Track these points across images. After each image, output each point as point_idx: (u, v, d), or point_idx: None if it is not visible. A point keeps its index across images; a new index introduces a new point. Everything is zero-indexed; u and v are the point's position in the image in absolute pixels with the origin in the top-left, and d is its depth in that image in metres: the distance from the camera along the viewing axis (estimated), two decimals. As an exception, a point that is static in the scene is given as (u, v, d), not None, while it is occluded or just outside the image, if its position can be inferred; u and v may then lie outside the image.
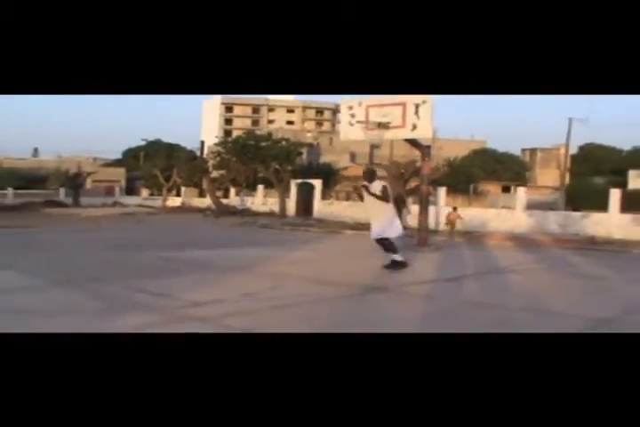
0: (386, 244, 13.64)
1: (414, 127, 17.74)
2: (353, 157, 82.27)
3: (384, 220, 13.58)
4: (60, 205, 49.22)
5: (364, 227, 26.47)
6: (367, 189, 13.59)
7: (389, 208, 13.66)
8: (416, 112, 17.63)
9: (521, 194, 28.56)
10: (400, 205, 25.31)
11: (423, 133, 18.16)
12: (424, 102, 17.57)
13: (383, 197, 13.39)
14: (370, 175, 13.99)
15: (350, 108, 19.02)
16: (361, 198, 14.18)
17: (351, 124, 18.96)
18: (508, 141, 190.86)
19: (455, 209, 27.73)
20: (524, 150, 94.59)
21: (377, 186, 13.53)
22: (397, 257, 13.61)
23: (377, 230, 13.69)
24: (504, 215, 28.21)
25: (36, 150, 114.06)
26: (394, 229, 13.65)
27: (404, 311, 9.33)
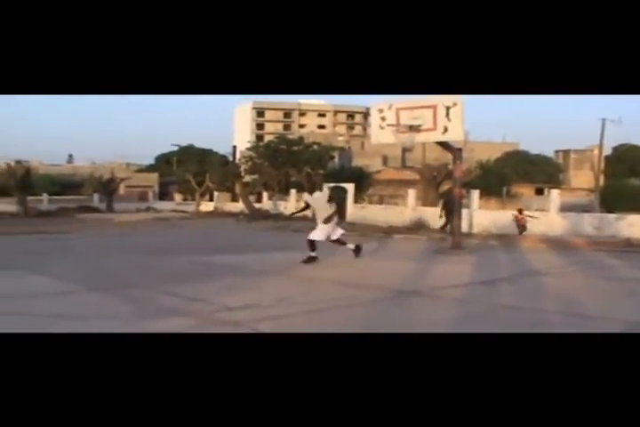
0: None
1: (445, 130, 17.65)
2: (385, 160, 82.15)
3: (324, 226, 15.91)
4: (94, 210, 49.51)
5: (397, 230, 26.47)
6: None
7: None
8: (447, 114, 17.53)
9: (554, 196, 28.28)
10: (451, 208, 25.23)
11: (454, 136, 18.06)
12: (455, 105, 17.48)
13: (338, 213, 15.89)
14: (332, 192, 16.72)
15: (381, 111, 18.94)
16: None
17: (382, 128, 18.88)
18: (541, 143, 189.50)
19: (521, 211, 27.32)
20: (557, 152, 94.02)
21: (323, 195, 16.33)
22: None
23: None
24: (538, 218, 27.96)
25: (70, 157, 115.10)
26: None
27: (437, 315, 9.30)
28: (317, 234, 15.73)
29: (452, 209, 25.04)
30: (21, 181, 46.89)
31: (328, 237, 15.93)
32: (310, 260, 15.42)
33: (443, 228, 25.62)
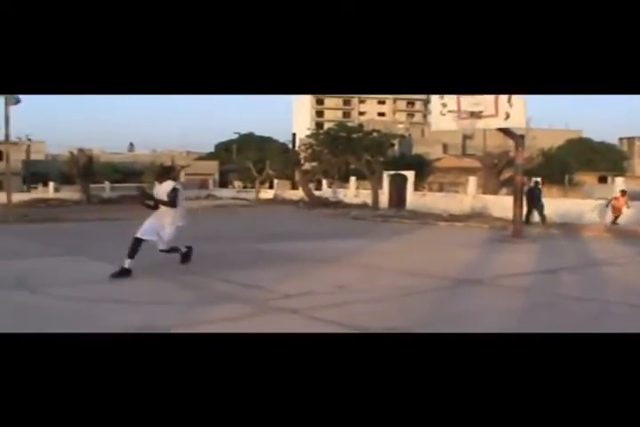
0: (134, 245, 11.27)
1: (507, 116, 17.37)
2: (445, 147, 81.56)
3: (162, 222, 11.68)
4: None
5: (458, 218, 26.25)
6: (144, 192, 12.66)
7: (174, 214, 11.73)
8: (509, 100, 17.25)
9: (619, 184, 27.71)
10: (533, 200, 24.78)
11: (516, 123, 17.78)
12: (518, 91, 17.20)
13: (168, 201, 11.56)
14: (161, 174, 12.27)
15: (442, 97, 18.74)
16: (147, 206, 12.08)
17: (442, 114, 18.69)
18: (604, 131, 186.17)
19: (624, 193, 25.18)
20: (621, 139, 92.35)
21: (166, 187, 11.67)
22: (129, 264, 11.21)
23: (147, 229, 11.52)
24: (601, 206, 27.42)
25: (131, 145, 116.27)
26: (157, 237, 11.66)
27: (499, 304, 9.13)
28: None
29: (534, 200, 24.72)
30: (84, 169, 47.62)
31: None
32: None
33: (527, 220, 24.25)
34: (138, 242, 11.26)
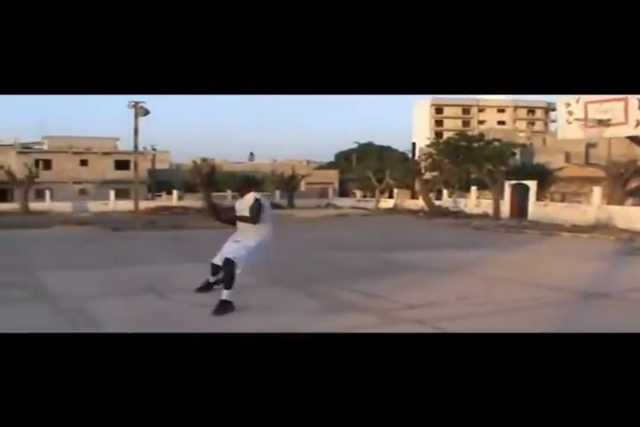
0: (229, 272, 9.36)
1: (638, 124, 16.90)
2: (568, 157, 79.87)
3: (249, 243, 9.59)
4: (276, 206, 50.52)
5: (581, 229, 25.61)
6: (214, 208, 11.18)
7: (257, 232, 9.65)
8: None
9: None
10: None
11: (648, 130, 17.29)
12: (648, 97, 16.70)
13: (249, 217, 9.57)
14: (243, 186, 10.35)
15: (568, 105, 18.38)
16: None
17: (569, 123, 18.35)
18: None
19: None
20: None
21: (248, 200, 9.72)
22: (229, 295, 9.22)
23: (231, 251, 9.64)
24: None
25: (251, 155, 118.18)
26: (248, 258, 9.54)
27: (627, 320, 8.83)
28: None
29: None
30: (207, 178, 48.62)
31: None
32: None
33: None
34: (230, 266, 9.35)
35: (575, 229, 26.18)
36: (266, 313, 8.97)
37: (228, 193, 56.50)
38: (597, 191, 32.03)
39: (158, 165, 72.35)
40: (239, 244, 9.65)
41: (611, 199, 34.03)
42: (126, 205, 44.32)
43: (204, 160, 53.63)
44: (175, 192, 56.41)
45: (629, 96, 16.79)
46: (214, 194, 49.71)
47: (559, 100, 19.25)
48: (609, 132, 17.61)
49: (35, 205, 49.10)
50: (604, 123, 17.22)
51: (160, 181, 66.18)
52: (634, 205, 29.43)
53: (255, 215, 9.49)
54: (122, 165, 65.69)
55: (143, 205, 39.68)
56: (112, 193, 55.09)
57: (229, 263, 9.30)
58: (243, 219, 9.68)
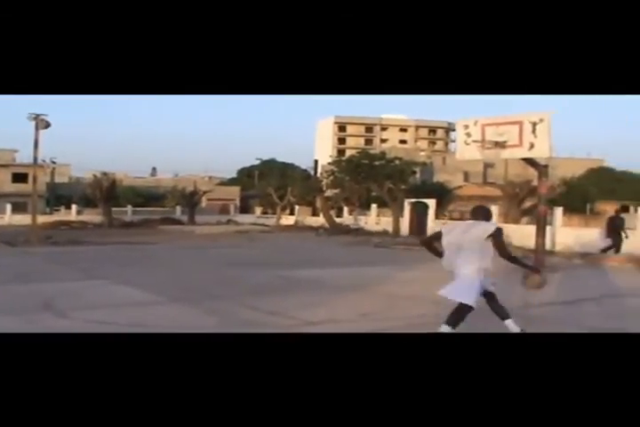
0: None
1: (532, 146, 17.43)
2: (467, 176, 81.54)
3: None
4: (177, 222, 50.26)
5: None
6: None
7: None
8: (533, 131, 17.31)
9: (641, 214, 27.60)
10: (614, 229, 24.49)
11: (541, 153, 17.81)
12: (541, 121, 17.25)
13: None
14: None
15: (466, 127, 18.83)
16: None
17: (467, 144, 18.76)
18: (628, 159, 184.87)
19: None
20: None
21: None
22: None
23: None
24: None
25: (154, 169, 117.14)
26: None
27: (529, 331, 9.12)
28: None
29: (616, 229, 24.38)
30: (107, 192, 47.94)
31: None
32: None
33: (606, 250, 24.00)
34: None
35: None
36: (162, 330, 8.91)
37: (129, 208, 55.78)
38: (494, 210, 32.84)
39: (58, 179, 70.79)
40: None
41: (507, 218, 34.89)
42: (23, 219, 43.27)
43: (104, 174, 52.66)
44: (74, 206, 55.35)
45: (524, 120, 17.35)
46: (114, 209, 49.01)
47: (458, 122, 19.72)
48: (505, 153, 18.09)
49: None
50: (500, 145, 17.71)
51: (59, 195, 64.79)
52: (528, 223, 30.22)
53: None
54: (20, 177, 63.92)
55: (41, 219, 38.84)
56: (8, 207, 53.69)
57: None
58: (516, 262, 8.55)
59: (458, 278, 8.38)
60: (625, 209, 64.63)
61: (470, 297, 8.15)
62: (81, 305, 10.92)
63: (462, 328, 8.13)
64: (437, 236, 8.68)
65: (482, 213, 8.55)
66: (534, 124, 17.35)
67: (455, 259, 8.32)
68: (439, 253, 8.69)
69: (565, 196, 50.54)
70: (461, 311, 8.21)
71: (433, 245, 8.89)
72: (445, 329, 8.10)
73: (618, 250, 23.90)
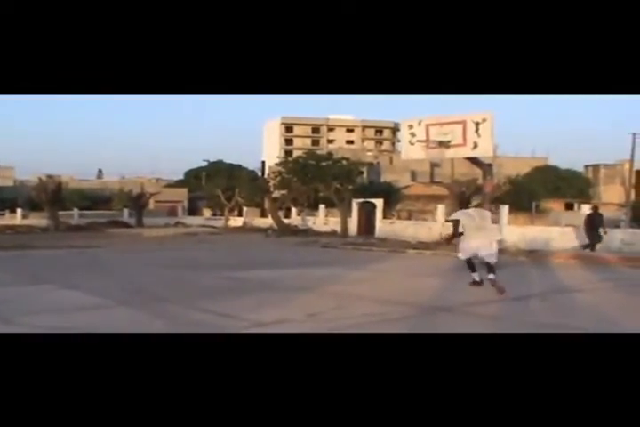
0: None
1: (475, 145, 17.68)
2: (414, 175, 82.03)
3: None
4: (124, 225, 49.83)
5: (427, 246, 26.36)
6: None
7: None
8: (476, 130, 17.55)
9: (585, 211, 28.08)
10: (593, 226, 24.81)
11: (484, 152, 18.07)
12: (484, 120, 17.50)
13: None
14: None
15: (410, 127, 19.02)
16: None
17: (412, 144, 18.96)
18: (570, 158, 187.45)
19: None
20: (586, 167, 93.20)
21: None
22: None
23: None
24: (568, 233, 27.74)
25: (100, 172, 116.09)
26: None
27: (470, 330, 9.22)
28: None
29: (595, 227, 24.69)
30: (53, 195, 47.26)
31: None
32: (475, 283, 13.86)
33: (586, 247, 24.52)
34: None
35: (421, 245, 26.88)
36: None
37: (75, 211, 55.14)
38: (441, 209, 33.17)
39: (1, 182, 69.91)
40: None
41: (453, 216, 35.16)
42: (-34, 224, 42.64)
43: (49, 177, 51.92)
44: (19, 210, 54.59)
45: (467, 119, 17.55)
46: (61, 212, 48.40)
47: (402, 122, 19.90)
48: (449, 153, 18.32)
49: None
50: (444, 144, 17.91)
51: (4, 199, 63.83)
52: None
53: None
54: (-38, 181, 63.16)
55: (-16, 224, 38.25)
56: (-50, 211, 52.88)
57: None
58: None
59: (487, 247, 13.22)
60: (569, 206, 65.83)
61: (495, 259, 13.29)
62: (27, 310, 10.79)
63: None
64: (456, 223, 13.43)
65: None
66: (477, 124, 17.60)
67: (477, 235, 13.17)
68: (458, 233, 13.44)
69: (511, 194, 51.08)
70: (494, 267, 13.09)
71: (457, 226, 13.35)
72: (492, 276, 12.97)
73: (593, 248, 24.30)
